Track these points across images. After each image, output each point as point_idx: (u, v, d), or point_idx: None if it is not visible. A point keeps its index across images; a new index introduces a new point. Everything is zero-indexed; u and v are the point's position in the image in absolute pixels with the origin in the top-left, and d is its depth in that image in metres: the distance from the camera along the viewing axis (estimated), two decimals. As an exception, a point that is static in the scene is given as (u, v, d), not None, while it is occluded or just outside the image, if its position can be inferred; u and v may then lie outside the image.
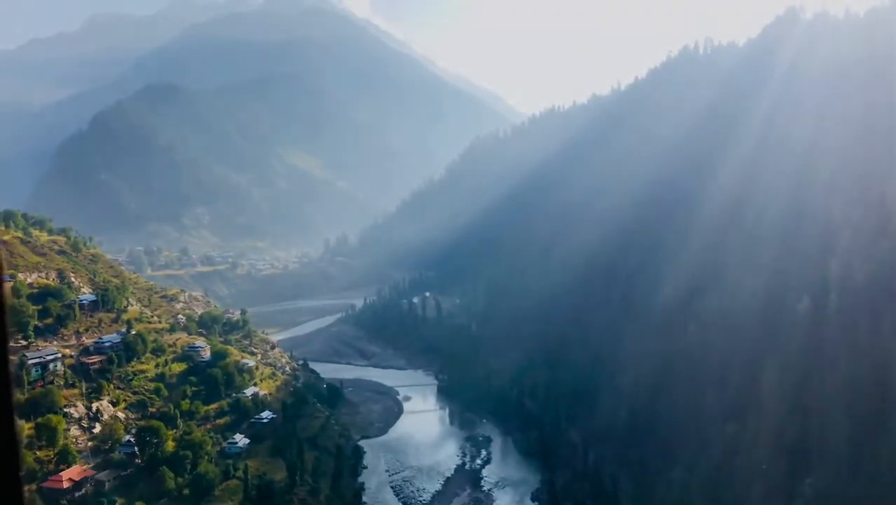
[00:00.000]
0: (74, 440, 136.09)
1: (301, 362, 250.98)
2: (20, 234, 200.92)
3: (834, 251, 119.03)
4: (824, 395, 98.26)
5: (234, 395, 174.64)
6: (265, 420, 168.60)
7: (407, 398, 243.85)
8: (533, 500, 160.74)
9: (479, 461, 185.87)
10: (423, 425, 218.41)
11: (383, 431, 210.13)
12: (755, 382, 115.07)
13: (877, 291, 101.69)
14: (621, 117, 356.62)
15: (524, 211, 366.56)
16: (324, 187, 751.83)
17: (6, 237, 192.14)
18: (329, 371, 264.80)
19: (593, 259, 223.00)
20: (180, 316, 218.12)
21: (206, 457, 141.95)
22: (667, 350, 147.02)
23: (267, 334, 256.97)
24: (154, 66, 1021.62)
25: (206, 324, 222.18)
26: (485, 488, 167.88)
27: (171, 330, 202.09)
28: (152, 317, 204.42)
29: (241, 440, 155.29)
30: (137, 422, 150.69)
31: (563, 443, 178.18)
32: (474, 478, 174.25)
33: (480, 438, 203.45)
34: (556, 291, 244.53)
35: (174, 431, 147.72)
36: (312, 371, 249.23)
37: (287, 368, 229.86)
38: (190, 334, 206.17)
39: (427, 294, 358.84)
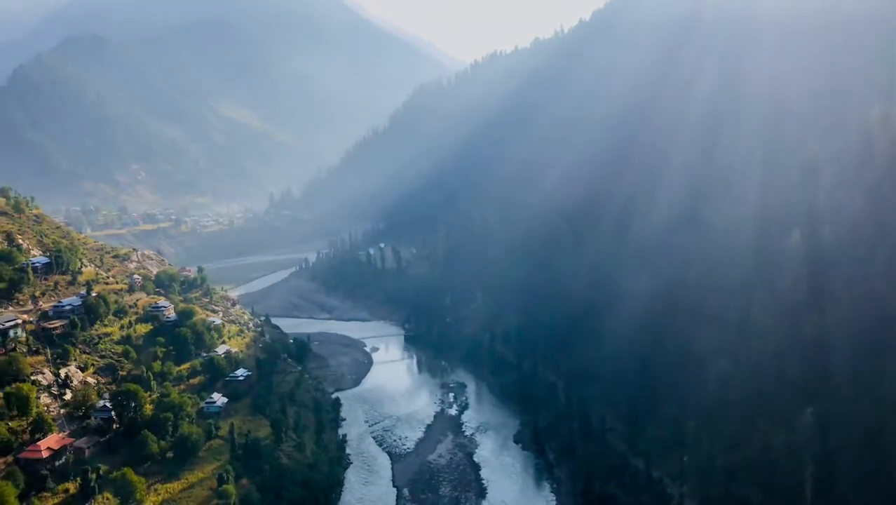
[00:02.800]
0: (46, 408, 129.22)
1: (263, 318, 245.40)
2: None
3: (817, 184, 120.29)
4: (823, 325, 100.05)
5: (205, 354, 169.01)
6: (241, 378, 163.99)
7: (375, 349, 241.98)
8: (515, 441, 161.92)
9: (456, 407, 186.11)
10: (394, 375, 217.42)
11: (356, 382, 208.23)
12: (747, 316, 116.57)
13: (867, 223, 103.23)
14: (573, 58, 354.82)
15: (479, 157, 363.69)
16: (262, 140, 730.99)
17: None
18: (291, 326, 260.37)
19: (560, 202, 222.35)
20: (136, 276, 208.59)
21: (187, 418, 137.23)
22: (649, 289, 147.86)
23: (225, 291, 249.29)
24: (71, 17, 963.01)
25: (163, 283, 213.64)
26: (466, 433, 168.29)
27: (130, 290, 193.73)
28: (108, 278, 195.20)
29: (219, 399, 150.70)
30: (109, 386, 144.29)
31: (540, 385, 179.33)
32: (455, 423, 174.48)
33: (454, 385, 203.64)
34: (522, 236, 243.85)
35: (149, 393, 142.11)
36: (276, 327, 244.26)
37: (251, 325, 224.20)
38: (149, 294, 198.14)
39: (382, 245, 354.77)
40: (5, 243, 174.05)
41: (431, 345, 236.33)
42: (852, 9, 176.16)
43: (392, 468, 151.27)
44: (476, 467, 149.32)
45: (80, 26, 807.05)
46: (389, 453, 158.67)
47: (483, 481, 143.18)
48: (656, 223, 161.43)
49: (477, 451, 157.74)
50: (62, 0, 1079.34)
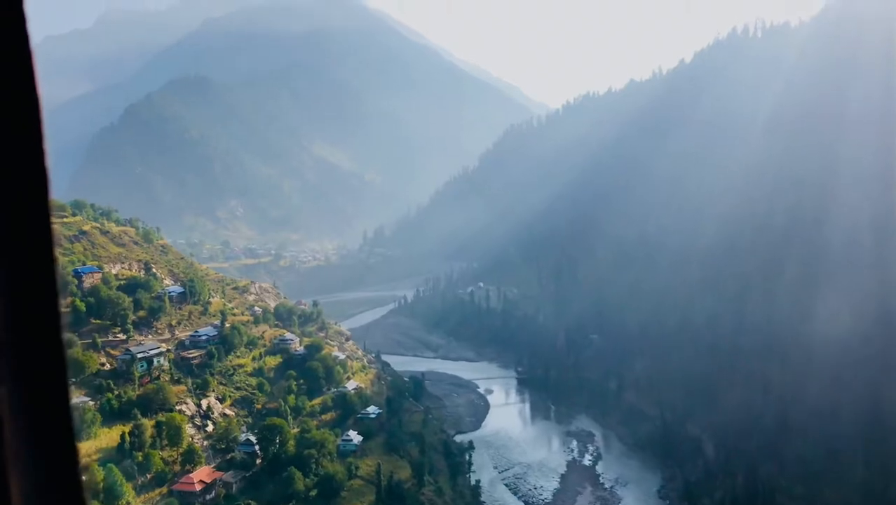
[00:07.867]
0: (191, 439, 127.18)
1: (374, 354, 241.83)
2: (98, 225, 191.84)
3: None
4: None
5: (334, 389, 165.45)
6: (372, 416, 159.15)
7: (489, 391, 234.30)
8: (661, 497, 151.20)
9: (588, 457, 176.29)
10: (514, 419, 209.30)
11: (476, 425, 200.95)
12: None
13: None
14: (678, 99, 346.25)
15: (581, 197, 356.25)
16: (352, 179, 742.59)
17: (86, 227, 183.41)
18: (398, 363, 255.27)
19: (689, 245, 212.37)
20: (256, 308, 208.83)
21: (328, 456, 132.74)
22: (820, 337, 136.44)
23: (338, 326, 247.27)
24: (173, 59, 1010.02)
25: (281, 316, 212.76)
26: (605, 486, 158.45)
27: (255, 322, 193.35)
28: (233, 309, 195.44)
29: (354, 437, 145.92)
30: (245, 419, 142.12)
31: (680, 437, 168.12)
32: (591, 474, 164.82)
33: (580, 433, 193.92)
34: (639, 277, 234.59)
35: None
36: (386, 363, 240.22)
37: (365, 361, 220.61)
38: (271, 326, 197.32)
39: (482, 284, 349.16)
40: (143, 272, 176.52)
41: (548, 389, 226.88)
42: None
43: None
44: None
45: (182, 69, 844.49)
46: (526, 503, 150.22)
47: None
48: (821, 268, 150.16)
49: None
50: (165, 43, 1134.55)
